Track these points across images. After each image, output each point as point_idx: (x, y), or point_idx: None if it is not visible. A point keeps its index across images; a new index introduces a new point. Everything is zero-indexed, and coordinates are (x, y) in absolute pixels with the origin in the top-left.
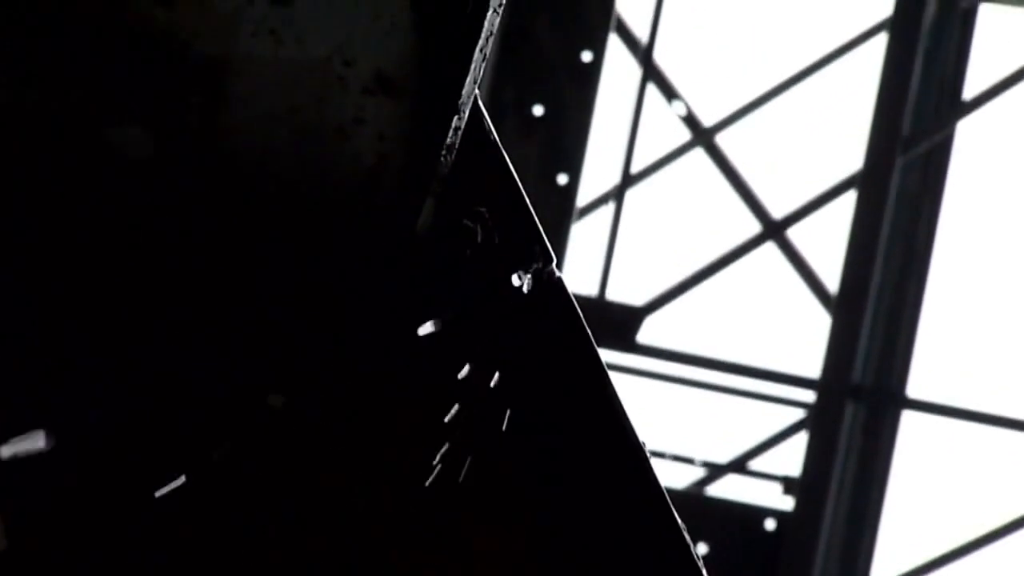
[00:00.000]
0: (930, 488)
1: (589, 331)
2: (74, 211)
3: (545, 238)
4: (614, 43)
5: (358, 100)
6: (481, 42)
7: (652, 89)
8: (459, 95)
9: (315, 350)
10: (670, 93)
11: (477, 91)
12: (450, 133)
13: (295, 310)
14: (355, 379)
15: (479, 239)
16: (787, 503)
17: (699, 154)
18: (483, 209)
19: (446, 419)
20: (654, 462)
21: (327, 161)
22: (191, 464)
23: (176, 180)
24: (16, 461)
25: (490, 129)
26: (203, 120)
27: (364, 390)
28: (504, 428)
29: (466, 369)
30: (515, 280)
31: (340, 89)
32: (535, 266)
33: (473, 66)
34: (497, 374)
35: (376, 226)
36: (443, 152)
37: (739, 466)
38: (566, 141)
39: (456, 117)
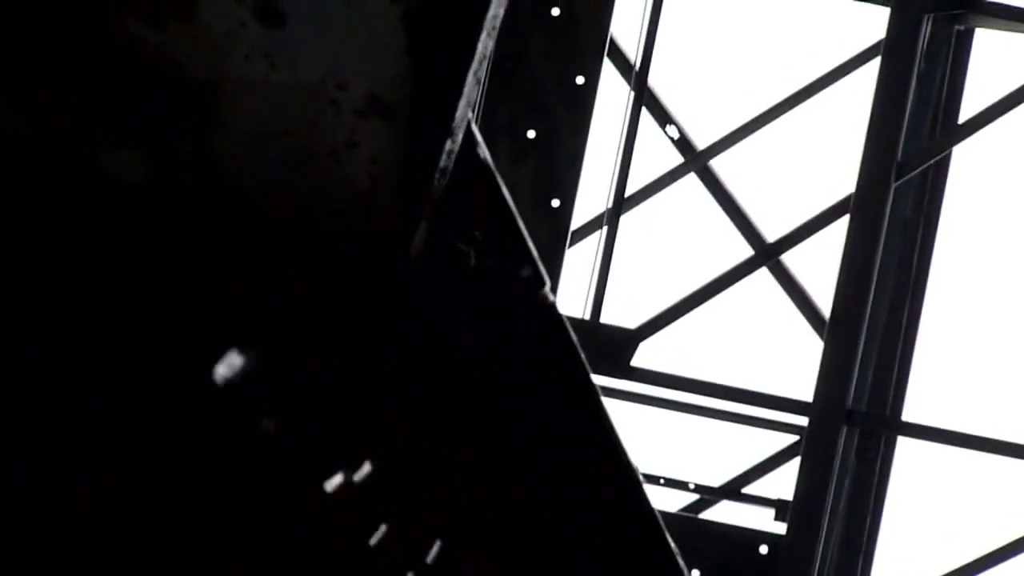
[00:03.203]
0: (925, 513)
1: (583, 355)
2: (68, 234)
3: (539, 261)
4: (607, 67)
5: (351, 123)
6: (475, 65)
7: (645, 113)
8: (452, 118)
9: (308, 373)
10: (663, 117)
11: (471, 114)
12: (443, 156)
13: (287, 333)
14: (345, 400)
15: (472, 262)
16: (781, 527)
17: (692, 178)
18: (477, 232)
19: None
20: (647, 486)
21: (320, 184)
22: (184, 483)
23: (169, 203)
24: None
25: (484, 152)
26: (196, 143)
27: (355, 408)
28: (497, 450)
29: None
30: (507, 309)
31: (333, 112)
32: (528, 289)
33: (466, 89)
34: (491, 398)
35: (369, 249)
36: (437, 175)
37: (733, 490)
38: (559, 165)
39: (449, 140)
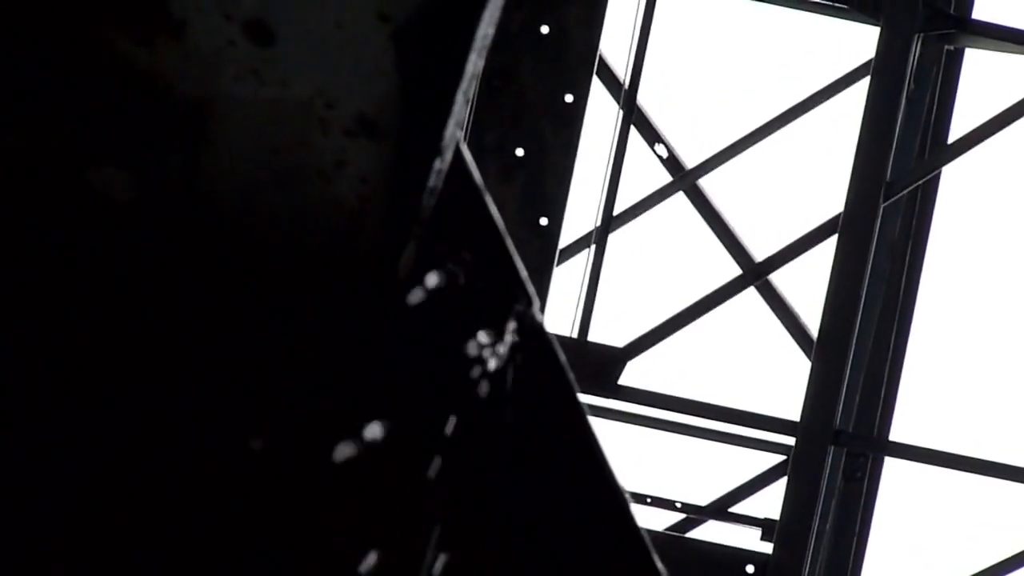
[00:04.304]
0: (911, 533)
1: (571, 374)
2: (54, 253)
3: (527, 281)
4: (596, 85)
5: (340, 142)
6: (464, 85)
7: (634, 131)
8: (442, 137)
9: (296, 395)
10: (652, 135)
11: (460, 134)
12: (432, 176)
13: (275, 355)
14: (334, 423)
15: (461, 282)
16: (768, 547)
17: (681, 197)
18: (465, 253)
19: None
20: (634, 505)
21: (309, 203)
22: (171, 510)
23: (158, 222)
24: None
25: (473, 172)
26: (185, 162)
27: (341, 430)
28: (483, 473)
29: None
30: (496, 329)
31: (322, 131)
32: (517, 309)
33: (456, 109)
34: (475, 420)
35: (357, 269)
36: (425, 195)
37: (720, 510)
38: (548, 183)
39: (438, 159)
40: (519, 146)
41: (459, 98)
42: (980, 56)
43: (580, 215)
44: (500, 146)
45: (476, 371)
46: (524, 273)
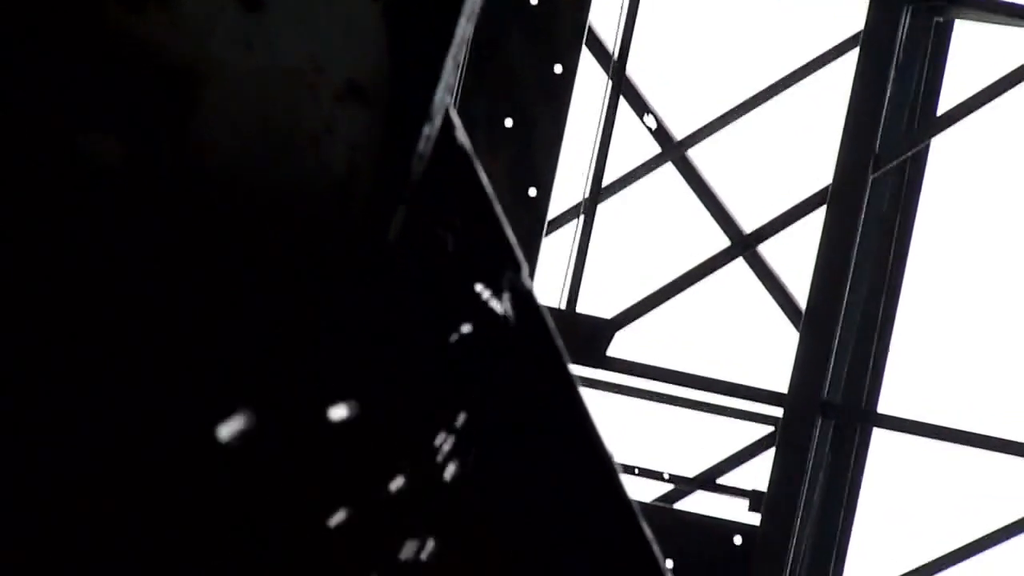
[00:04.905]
0: (899, 504)
1: (559, 340)
2: (41, 219)
3: (516, 247)
4: (585, 56)
5: (329, 108)
6: (453, 49)
7: (623, 102)
8: (431, 103)
9: (285, 362)
10: (641, 106)
11: (449, 99)
12: (422, 141)
13: (264, 322)
14: (325, 390)
15: (450, 248)
16: (756, 518)
17: (670, 168)
18: (454, 218)
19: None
20: (622, 476)
21: (298, 170)
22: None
23: (147, 189)
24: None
25: (462, 138)
26: (174, 128)
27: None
28: (474, 443)
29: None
30: (486, 295)
31: (311, 97)
32: (506, 275)
33: (445, 74)
34: (463, 383)
35: (348, 235)
36: (415, 160)
37: (707, 481)
38: (536, 154)
39: (428, 125)
40: (508, 117)
41: (448, 64)
42: (969, 28)
43: (569, 186)
44: (489, 117)
45: (464, 335)
46: (513, 239)
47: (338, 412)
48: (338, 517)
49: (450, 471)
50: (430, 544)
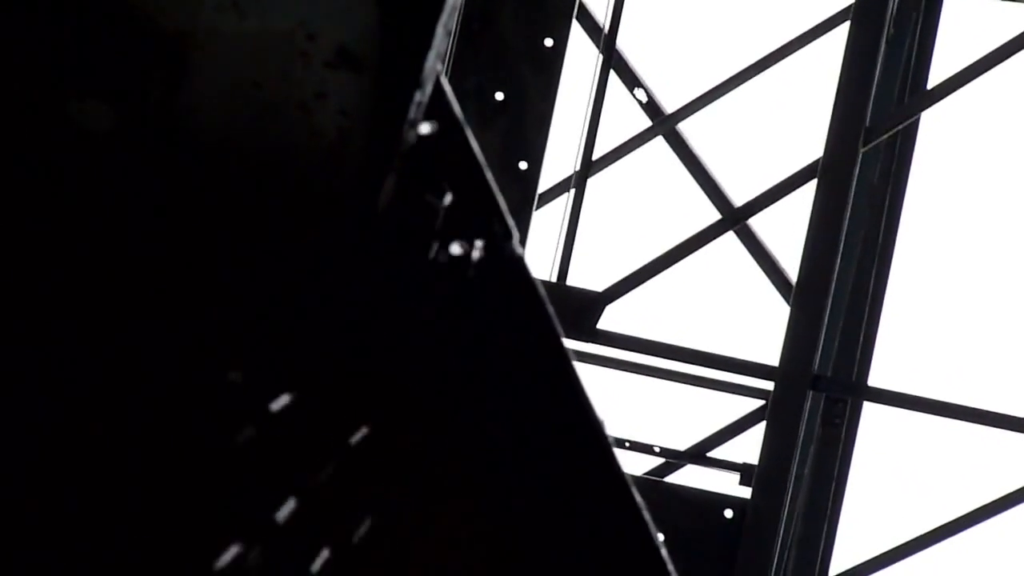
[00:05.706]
0: (890, 478)
1: (549, 306)
2: (32, 186)
3: (507, 213)
4: (576, 30)
5: (320, 75)
6: (444, 17)
7: (614, 76)
8: (421, 69)
9: (275, 324)
10: (632, 80)
11: (440, 66)
12: (412, 108)
13: (256, 288)
14: (315, 355)
15: (440, 213)
16: (747, 492)
17: (660, 142)
18: (445, 184)
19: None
20: (614, 449)
21: (289, 136)
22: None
23: (137, 154)
24: None
25: (453, 105)
26: (165, 94)
27: (319, 357)
28: (465, 409)
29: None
30: (457, 249)
31: (302, 63)
32: (494, 238)
33: (436, 41)
34: (456, 348)
35: (338, 202)
36: (405, 127)
37: (698, 454)
38: (527, 127)
39: (419, 92)
40: (499, 90)
41: (439, 30)
42: (959, 1)
43: (559, 159)
44: (480, 90)
45: (456, 299)
46: (504, 205)
47: (322, 374)
48: (327, 471)
49: (439, 435)
50: (416, 509)
